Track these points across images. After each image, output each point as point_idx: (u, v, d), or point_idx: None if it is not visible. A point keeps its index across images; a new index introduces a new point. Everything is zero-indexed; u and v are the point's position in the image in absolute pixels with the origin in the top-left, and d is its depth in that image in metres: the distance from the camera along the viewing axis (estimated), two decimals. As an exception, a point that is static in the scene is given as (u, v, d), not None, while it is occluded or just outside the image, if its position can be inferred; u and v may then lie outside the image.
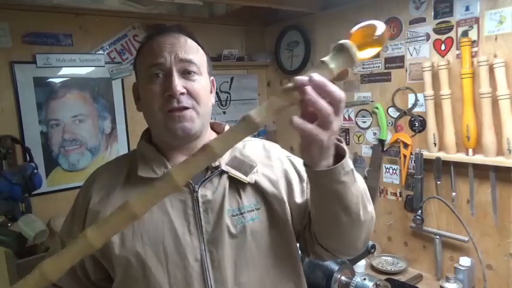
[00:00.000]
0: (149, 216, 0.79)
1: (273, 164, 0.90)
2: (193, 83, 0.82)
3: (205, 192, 0.81)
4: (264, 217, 0.84)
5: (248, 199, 0.83)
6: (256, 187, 0.84)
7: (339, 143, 0.70)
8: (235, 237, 0.80)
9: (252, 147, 0.92)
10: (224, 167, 0.84)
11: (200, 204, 0.80)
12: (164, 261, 0.78)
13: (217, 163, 0.84)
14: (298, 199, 0.87)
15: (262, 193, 0.84)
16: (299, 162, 0.94)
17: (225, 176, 0.84)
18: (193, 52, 0.84)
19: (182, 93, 0.79)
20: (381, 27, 0.61)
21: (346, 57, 0.59)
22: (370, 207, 0.82)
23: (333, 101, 0.59)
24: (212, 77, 0.91)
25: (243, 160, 0.86)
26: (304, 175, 0.90)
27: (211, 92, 0.89)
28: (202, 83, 0.84)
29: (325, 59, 0.60)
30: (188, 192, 0.81)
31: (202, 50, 0.88)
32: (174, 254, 0.78)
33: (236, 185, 0.84)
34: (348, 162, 0.69)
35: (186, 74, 0.81)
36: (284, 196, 0.86)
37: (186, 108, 0.80)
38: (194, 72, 0.82)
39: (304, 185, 0.89)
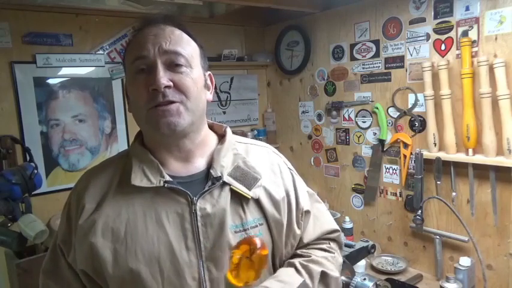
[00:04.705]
0: (143, 229, 0.73)
1: (277, 181, 0.85)
2: (181, 76, 0.75)
3: (204, 205, 0.76)
4: (266, 233, 0.81)
5: (252, 214, 0.79)
6: (259, 202, 0.80)
7: None
8: None
9: (256, 155, 0.87)
10: (226, 178, 0.78)
11: (199, 218, 0.75)
12: (160, 280, 0.72)
13: (218, 173, 0.78)
14: (296, 228, 0.85)
15: (263, 210, 0.81)
16: (300, 184, 0.92)
17: (227, 188, 0.78)
18: (180, 43, 0.76)
19: (168, 87, 0.72)
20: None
21: None
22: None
23: None
24: (209, 72, 0.85)
25: (247, 171, 0.81)
26: (303, 204, 0.88)
27: (207, 87, 0.83)
28: (193, 76, 0.76)
29: None
30: (186, 204, 0.75)
31: (195, 42, 0.81)
32: (170, 272, 0.73)
33: (239, 199, 0.78)
34: None
35: (173, 66, 0.74)
36: (284, 219, 0.82)
37: (173, 102, 0.73)
38: (182, 65, 0.75)
39: (300, 215, 0.87)
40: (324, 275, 0.84)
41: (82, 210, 0.77)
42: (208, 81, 0.84)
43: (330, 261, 0.88)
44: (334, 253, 0.91)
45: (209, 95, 0.84)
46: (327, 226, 0.94)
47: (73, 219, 0.79)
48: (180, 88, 0.74)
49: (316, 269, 0.83)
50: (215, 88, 0.88)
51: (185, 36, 0.79)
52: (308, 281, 0.81)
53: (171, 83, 0.73)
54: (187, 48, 0.77)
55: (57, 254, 0.82)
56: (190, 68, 0.76)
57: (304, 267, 0.83)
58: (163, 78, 0.72)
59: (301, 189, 0.91)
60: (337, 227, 0.96)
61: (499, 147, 1.60)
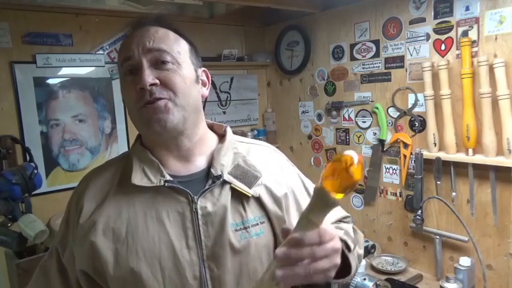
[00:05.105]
0: (144, 229, 0.74)
1: (278, 179, 0.85)
2: (167, 72, 0.75)
3: (205, 203, 0.76)
4: (268, 231, 0.80)
5: (253, 212, 0.79)
6: (259, 201, 0.80)
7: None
8: (238, 254, 0.75)
9: (257, 154, 0.87)
10: (226, 177, 0.78)
11: (199, 216, 0.75)
12: (161, 279, 0.72)
13: (219, 172, 0.78)
14: None
15: (264, 208, 0.80)
16: (306, 179, 0.94)
17: (227, 187, 0.78)
18: (165, 41, 0.77)
19: (155, 85, 0.73)
20: (353, 157, 0.60)
21: (325, 205, 0.62)
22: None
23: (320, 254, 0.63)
24: (204, 68, 0.85)
25: (247, 170, 0.81)
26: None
27: (202, 83, 0.83)
28: (181, 73, 0.76)
29: (306, 214, 0.63)
30: (186, 203, 0.75)
31: (184, 39, 0.81)
32: (172, 271, 0.73)
33: (240, 197, 0.78)
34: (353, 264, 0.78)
35: (159, 64, 0.75)
36: (285, 215, 0.82)
37: (160, 98, 0.73)
38: (168, 61, 0.75)
39: None
40: (354, 231, 0.90)
41: (81, 210, 0.77)
42: (203, 77, 0.84)
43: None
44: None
45: (205, 91, 0.84)
46: (340, 213, 0.96)
47: (72, 219, 0.79)
48: (166, 85, 0.74)
49: (348, 225, 0.90)
50: (215, 88, 0.87)
51: (171, 34, 0.79)
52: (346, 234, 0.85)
53: (157, 81, 0.73)
54: (173, 45, 0.77)
55: (52, 254, 0.83)
56: (177, 64, 0.76)
57: (337, 227, 0.86)
58: (149, 76, 0.73)
59: (308, 183, 0.92)
60: (348, 214, 1.00)
61: (499, 147, 1.60)
